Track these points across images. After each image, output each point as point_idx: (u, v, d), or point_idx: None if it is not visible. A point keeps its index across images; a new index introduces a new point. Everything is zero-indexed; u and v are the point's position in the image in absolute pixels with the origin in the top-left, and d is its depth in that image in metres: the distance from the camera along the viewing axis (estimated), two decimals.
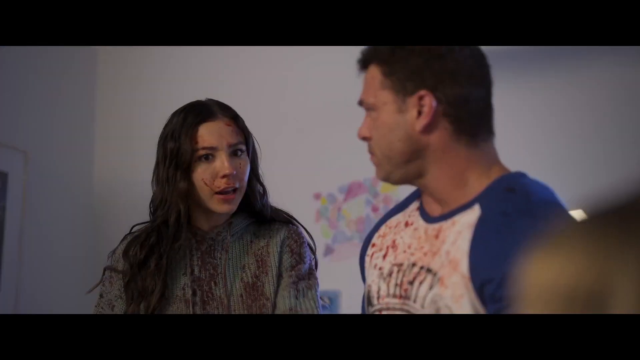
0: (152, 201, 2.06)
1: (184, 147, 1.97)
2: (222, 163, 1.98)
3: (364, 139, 1.58)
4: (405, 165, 1.53)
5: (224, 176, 1.97)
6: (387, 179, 1.59)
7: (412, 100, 1.50)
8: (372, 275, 1.65)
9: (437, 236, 1.52)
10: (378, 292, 1.61)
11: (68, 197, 3.81)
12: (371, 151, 1.58)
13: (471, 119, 1.52)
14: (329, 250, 3.59)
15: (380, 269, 1.62)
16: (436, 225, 1.54)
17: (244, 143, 2.02)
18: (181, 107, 2.05)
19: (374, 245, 1.69)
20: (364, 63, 1.57)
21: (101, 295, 2.07)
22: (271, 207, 2.11)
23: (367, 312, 1.65)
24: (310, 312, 2.02)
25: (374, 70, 1.54)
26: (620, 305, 0.64)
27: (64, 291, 3.54)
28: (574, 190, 2.80)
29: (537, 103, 3.29)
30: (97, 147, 3.99)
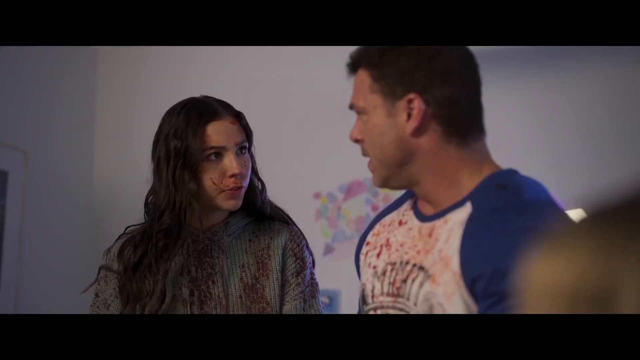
0: (150, 203, 2.04)
1: (193, 146, 1.94)
2: (230, 162, 1.96)
3: (356, 141, 1.58)
4: (398, 169, 1.53)
5: (232, 175, 1.97)
6: (384, 184, 1.59)
7: (402, 104, 1.50)
8: (366, 273, 1.65)
9: (430, 234, 1.53)
10: (372, 290, 1.61)
11: (68, 197, 3.82)
12: (365, 154, 1.58)
13: (461, 120, 1.52)
14: (328, 249, 3.59)
15: (374, 267, 1.63)
16: (429, 224, 1.55)
17: (246, 141, 2.03)
18: (178, 105, 2.02)
19: (368, 243, 1.70)
20: (353, 66, 1.57)
21: (97, 295, 2.06)
22: (270, 203, 2.11)
23: (362, 311, 1.66)
24: None
25: (363, 74, 1.54)
26: (626, 305, 0.64)
27: (63, 290, 3.54)
28: (574, 189, 2.80)
29: (536, 103, 3.29)
30: (97, 146, 3.99)
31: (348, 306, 3.40)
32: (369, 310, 1.62)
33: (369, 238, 1.70)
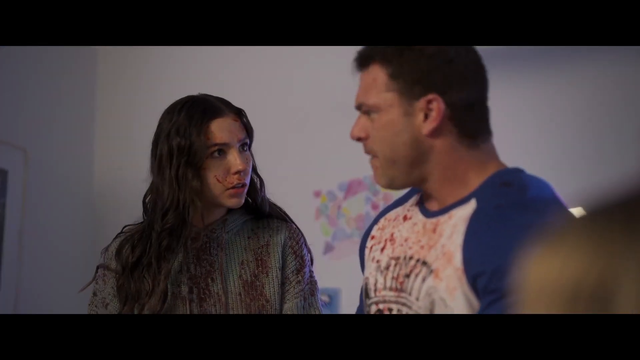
0: (149, 202, 2.03)
1: (197, 144, 1.94)
2: (234, 159, 1.96)
3: (358, 139, 1.58)
4: (409, 169, 1.53)
5: (236, 172, 1.97)
6: (390, 185, 1.58)
7: (419, 104, 1.49)
8: (370, 267, 1.66)
9: (434, 230, 1.53)
10: (375, 284, 1.62)
11: (68, 196, 3.82)
12: (370, 153, 1.57)
13: (474, 122, 1.53)
14: (328, 248, 3.59)
15: (377, 261, 1.63)
16: (434, 220, 1.55)
17: (247, 137, 2.03)
18: (178, 103, 2.02)
19: (373, 237, 1.70)
20: (365, 61, 1.55)
21: (94, 294, 2.05)
22: (268, 201, 2.11)
23: (364, 305, 1.66)
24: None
25: (377, 71, 1.52)
26: (625, 302, 0.64)
27: (63, 289, 3.54)
28: (574, 188, 2.80)
29: (536, 102, 3.29)
30: (97, 145, 3.99)
31: (348, 305, 3.40)
32: (371, 304, 1.63)
33: (374, 232, 1.71)
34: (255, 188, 2.06)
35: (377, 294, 1.61)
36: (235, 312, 1.98)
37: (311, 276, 2.08)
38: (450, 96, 1.49)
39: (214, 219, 2.04)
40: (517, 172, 1.55)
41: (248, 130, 2.03)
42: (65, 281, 3.59)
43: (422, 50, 1.49)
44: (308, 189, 3.64)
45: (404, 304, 1.54)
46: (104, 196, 3.93)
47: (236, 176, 1.96)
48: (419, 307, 1.51)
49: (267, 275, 2.02)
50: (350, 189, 3.59)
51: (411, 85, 1.49)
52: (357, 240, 3.42)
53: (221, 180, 1.96)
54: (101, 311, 2.02)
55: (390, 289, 1.58)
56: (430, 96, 1.49)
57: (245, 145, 2.01)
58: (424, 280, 1.50)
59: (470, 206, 1.49)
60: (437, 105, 1.48)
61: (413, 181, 1.56)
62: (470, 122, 1.52)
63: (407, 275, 1.54)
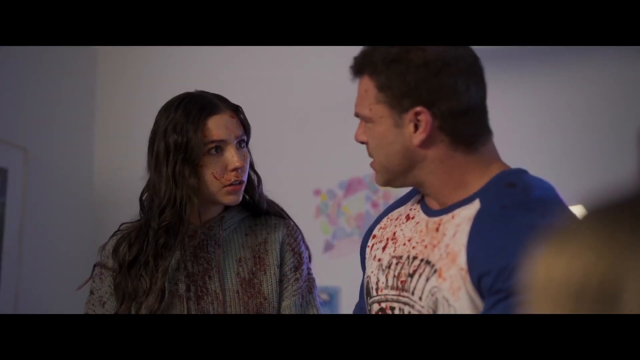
0: (146, 200, 2.02)
1: (194, 141, 1.93)
2: (232, 156, 1.96)
3: (362, 142, 1.60)
4: (404, 175, 1.55)
5: (233, 169, 1.96)
6: (387, 185, 1.61)
7: (408, 116, 1.50)
8: (371, 266, 1.66)
9: (437, 229, 1.54)
10: (377, 283, 1.63)
11: (68, 195, 3.82)
12: (371, 155, 1.59)
13: (468, 128, 1.52)
14: (328, 247, 3.59)
15: (379, 260, 1.64)
16: (436, 219, 1.56)
17: (245, 134, 2.02)
18: (175, 100, 2.01)
19: (374, 236, 1.71)
20: (357, 71, 1.56)
21: (92, 292, 2.04)
22: (266, 199, 2.11)
23: (365, 303, 1.67)
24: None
25: (368, 83, 1.53)
26: (630, 301, 0.64)
27: (63, 288, 3.54)
28: (574, 187, 2.80)
29: (536, 102, 3.29)
30: (97, 144, 4.00)
31: (348, 303, 3.40)
32: (372, 302, 1.63)
33: (376, 231, 1.72)
34: (252, 185, 2.06)
35: (379, 292, 1.62)
36: (233, 310, 1.97)
37: (309, 273, 2.08)
38: (439, 107, 1.49)
39: (211, 216, 2.03)
40: (521, 172, 1.55)
41: (245, 127, 2.02)
42: (65, 280, 3.59)
43: (410, 62, 1.49)
44: (308, 187, 3.64)
45: (405, 303, 1.55)
46: (104, 196, 3.93)
47: (233, 173, 1.95)
48: (422, 307, 1.51)
49: (265, 273, 2.02)
50: (350, 187, 3.59)
51: (399, 98, 1.50)
52: (357, 239, 3.42)
53: (218, 177, 1.95)
54: (98, 310, 2.02)
55: (392, 287, 1.58)
56: (417, 108, 1.49)
57: (243, 142, 2.01)
58: (427, 279, 1.51)
59: (474, 206, 1.50)
60: (425, 118, 1.49)
61: (410, 183, 1.58)
62: (464, 128, 1.51)
63: (411, 275, 1.54)
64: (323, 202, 3.63)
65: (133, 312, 1.95)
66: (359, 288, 1.78)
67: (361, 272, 1.76)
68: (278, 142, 3.63)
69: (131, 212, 2.13)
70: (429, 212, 1.59)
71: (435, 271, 1.50)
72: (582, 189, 2.95)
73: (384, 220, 1.72)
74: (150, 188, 2.01)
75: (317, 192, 3.64)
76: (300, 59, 3.69)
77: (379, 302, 1.61)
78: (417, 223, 1.61)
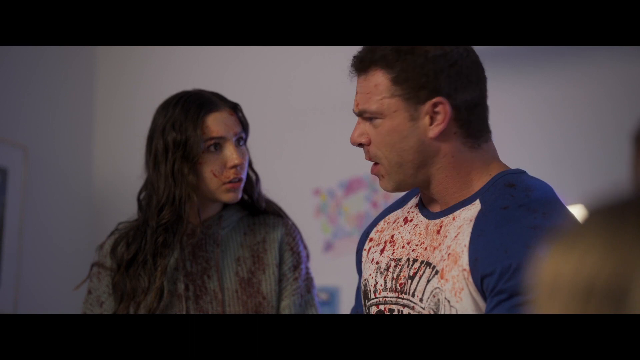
0: (144, 199, 2.02)
1: (193, 139, 1.93)
2: (231, 153, 1.95)
3: (360, 145, 1.57)
4: (415, 172, 1.53)
5: (233, 166, 1.95)
6: (397, 189, 1.58)
7: (425, 108, 1.49)
8: (369, 269, 1.66)
9: (438, 231, 1.54)
10: (375, 286, 1.62)
11: (68, 194, 3.82)
12: (373, 159, 1.56)
13: (477, 122, 1.53)
14: (328, 246, 3.59)
15: (377, 263, 1.63)
16: (437, 221, 1.55)
17: (243, 132, 2.02)
18: (173, 99, 2.01)
19: (371, 239, 1.70)
20: (364, 66, 1.54)
21: (89, 292, 2.04)
22: (265, 198, 2.10)
23: (363, 306, 1.66)
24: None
25: (379, 77, 1.51)
26: (638, 298, 0.65)
27: (63, 288, 3.54)
28: (574, 187, 2.80)
29: (536, 101, 3.29)
30: (96, 143, 3.99)
31: (347, 303, 3.40)
32: (371, 305, 1.63)
33: (373, 234, 1.71)
34: (251, 184, 2.05)
35: (377, 295, 1.61)
36: (231, 309, 1.97)
37: (307, 273, 2.08)
38: (455, 98, 1.49)
39: (209, 214, 2.03)
40: (520, 173, 1.55)
41: (244, 125, 2.02)
42: (65, 280, 3.59)
43: (426, 53, 1.49)
44: (308, 187, 3.64)
45: (405, 305, 1.54)
46: (103, 195, 3.93)
47: (233, 170, 1.95)
48: (423, 308, 1.51)
49: (264, 272, 2.01)
50: (350, 187, 3.59)
51: (417, 90, 1.49)
52: (357, 239, 3.41)
53: (217, 174, 1.94)
54: (96, 310, 2.01)
55: (391, 290, 1.58)
56: (436, 99, 1.48)
57: (242, 139, 2.00)
58: (428, 281, 1.50)
59: (475, 207, 1.50)
60: (444, 108, 1.48)
61: (418, 183, 1.56)
62: (474, 122, 1.52)
63: (412, 277, 1.54)
64: (323, 201, 3.63)
65: (132, 312, 1.95)
66: (356, 287, 1.78)
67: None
68: (278, 142, 3.63)
69: (131, 212, 2.13)
70: (429, 215, 1.59)
71: (436, 272, 1.49)
72: (582, 189, 2.95)
73: (381, 223, 1.71)
74: (148, 187, 2.00)
75: (317, 192, 3.64)
76: (301, 58, 3.69)
77: (377, 305, 1.61)
78: (416, 226, 1.60)
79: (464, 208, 1.52)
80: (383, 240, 1.66)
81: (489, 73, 1.58)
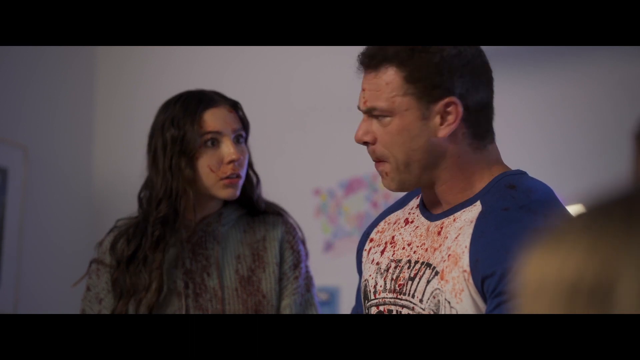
0: (144, 198, 2.02)
1: (190, 133, 1.93)
2: (228, 149, 1.95)
3: (364, 143, 1.55)
4: (421, 172, 1.52)
5: (230, 162, 1.94)
6: (400, 189, 1.57)
7: (437, 107, 1.48)
8: (369, 270, 1.65)
9: (439, 232, 1.53)
10: (375, 286, 1.62)
11: (68, 193, 3.82)
12: (379, 158, 1.55)
13: (486, 123, 1.53)
14: (328, 246, 3.59)
15: (377, 264, 1.63)
16: (438, 222, 1.55)
17: (243, 130, 2.01)
18: (174, 97, 2.01)
19: (371, 240, 1.70)
20: (374, 62, 1.51)
21: (88, 289, 2.03)
22: (265, 200, 2.10)
23: (363, 306, 1.66)
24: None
25: (391, 74, 1.49)
26: (623, 298, 0.64)
27: (63, 288, 3.53)
28: (574, 186, 2.80)
29: (536, 101, 3.29)
30: (96, 143, 3.99)
31: (348, 303, 3.40)
32: (370, 306, 1.62)
33: (373, 235, 1.70)
34: (251, 185, 2.05)
35: (377, 295, 1.61)
36: (231, 308, 1.97)
37: (307, 271, 2.08)
38: (466, 99, 1.48)
39: (208, 212, 2.02)
40: (520, 174, 1.55)
41: (244, 123, 2.01)
42: (66, 280, 3.58)
43: (441, 52, 1.48)
44: (308, 187, 3.64)
45: (404, 306, 1.54)
46: (103, 195, 3.93)
47: (230, 166, 1.94)
48: (422, 309, 1.51)
49: (264, 271, 2.01)
50: (350, 187, 3.59)
51: (430, 89, 1.47)
52: (357, 239, 3.40)
53: (214, 170, 1.94)
54: (95, 306, 2.01)
55: (390, 290, 1.58)
56: (448, 99, 1.47)
57: (241, 137, 2.00)
58: (428, 281, 1.50)
59: (476, 208, 1.50)
60: (456, 109, 1.47)
61: (422, 183, 1.55)
62: (482, 123, 1.52)
63: (412, 278, 1.54)
64: (323, 201, 3.63)
65: (131, 309, 1.95)
66: (357, 287, 1.78)
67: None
68: (278, 142, 3.63)
69: (131, 212, 2.13)
70: (430, 217, 1.58)
71: (436, 273, 1.49)
72: (582, 189, 2.94)
73: (382, 223, 1.71)
74: (148, 185, 2.01)
75: (317, 192, 3.64)
76: (301, 58, 3.69)
77: (377, 306, 1.61)
78: (417, 227, 1.60)
79: (464, 209, 1.51)
80: (384, 241, 1.65)
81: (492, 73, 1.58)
